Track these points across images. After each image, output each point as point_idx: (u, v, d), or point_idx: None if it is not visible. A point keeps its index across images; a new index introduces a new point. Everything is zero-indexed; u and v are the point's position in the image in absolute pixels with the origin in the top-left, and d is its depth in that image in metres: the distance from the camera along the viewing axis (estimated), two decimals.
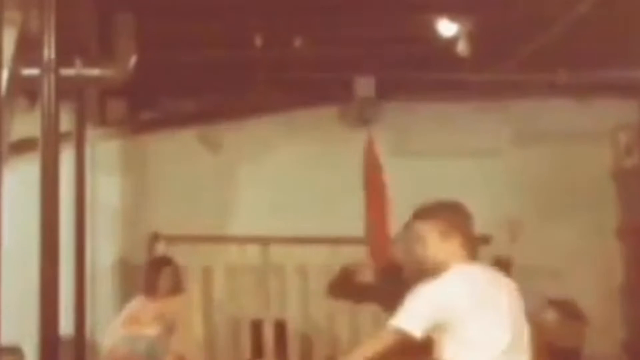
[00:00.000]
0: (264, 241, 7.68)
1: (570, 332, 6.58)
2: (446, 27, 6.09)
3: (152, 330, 6.26)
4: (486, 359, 3.66)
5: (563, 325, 6.57)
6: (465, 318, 3.63)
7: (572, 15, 5.54)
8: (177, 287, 6.57)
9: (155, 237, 7.60)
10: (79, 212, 6.82)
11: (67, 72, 5.18)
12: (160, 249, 7.49)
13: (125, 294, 7.21)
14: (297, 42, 6.49)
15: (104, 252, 7.68)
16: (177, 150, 7.86)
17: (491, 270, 3.96)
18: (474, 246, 3.90)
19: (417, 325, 3.62)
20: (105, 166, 7.73)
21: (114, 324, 6.43)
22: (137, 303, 6.50)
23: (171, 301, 6.46)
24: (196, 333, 7.17)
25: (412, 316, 3.65)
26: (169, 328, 6.26)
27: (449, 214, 3.90)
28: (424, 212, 3.91)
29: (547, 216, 7.85)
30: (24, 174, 5.02)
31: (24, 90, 5.46)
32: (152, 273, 6.56)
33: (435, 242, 3.81)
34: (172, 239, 7.52)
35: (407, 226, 4.10)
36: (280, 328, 7.71)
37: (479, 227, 4.02)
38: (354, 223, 7.42)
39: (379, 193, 7.06)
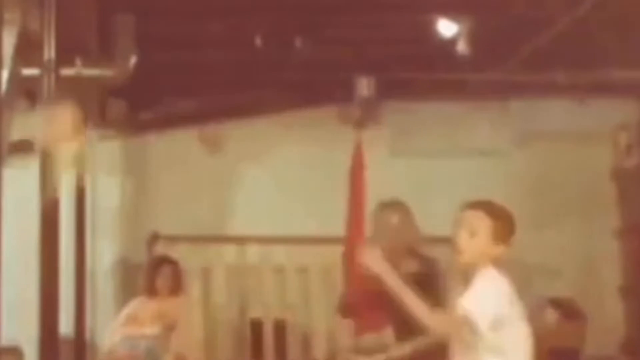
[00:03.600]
0: (264, 241, 7.68)
1: (570, 332, 6.58)
2: (446, 27, 6.09)
3: (151, 330, 6.26)
4: None
5: (563, 325, 6.58)
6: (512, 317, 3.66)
7: (572, 15, 5.54)
8: (177, 287, 6.56)
9: (155, 237, 7.60)
10: (79, 212, 6.82)
11: (67, 72, 5.19)
12: (160, 249, 7.48)
13: (125, 294, 7.21)
14: (297, 42, 6.49)
15: (104, 252, 7.68)
16: (177, 150, 7.86)
17: None
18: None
19: (485, 320, 3.57)
20: (105, 166, 7.73)
21: (114, 324, 6.43)
22: (137, 303, 6.51)
23: (171, 301, 6.46)
24: (196, 333, 7.17)
25: (483, 306, 3.56)
26: (169, 328, 6.26)
27: (507, 221, 3.79)
28: (489, 208, 3.76)
29: (547, 216, 7.84)
30: (24, 174, 5.03)
31: (24, 90, 5.46)
32: (151, 273, 6.56)
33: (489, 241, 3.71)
34: (172, 239, 7.52)
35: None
36: (280, 328, 7.70)
37: None
38: None
39: (363, 195, 6.95)
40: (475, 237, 3.70)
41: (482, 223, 3.70)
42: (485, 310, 3.58)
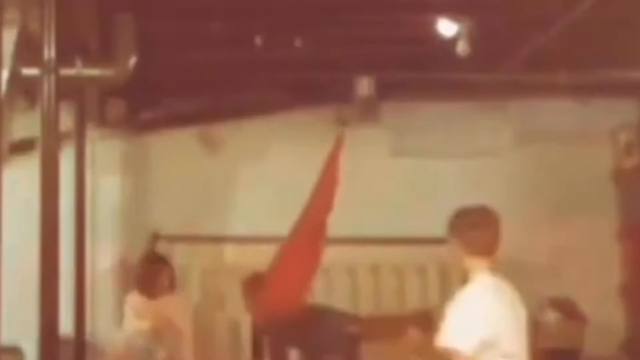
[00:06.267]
0: (264, 241, 7.66)
1: (570, 332, 6.59)
2: (446, 27, 6.09)
3: (147, 328, 6.29)
4: None
5: (563, 325, 6.58)
6: (506, 331, 3.63)
7: (572, 15, 5.54)
8: (165, 286, 6.59)
9: (155, 237, 7.60)
10: (79, 212, 6.82)
11: (67, 72, 5.18)
12: (160, 249, 7.48)
13: (125, 294, 7.20)
14: (297, 42, 6.49)
15: (104, 252, 7.68)
16: (177, 150, 7.86)
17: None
18: None
19: (469, 345, 3.57)
20: (105, 166, 7.72)
21: (126, 320, 6.47)
22: (132, 301, 6.55)
23: (162, 300, 6.49)
24: (192, 331, 7.16)
25: (465, 335, 3.59)
26: (163, 326, 6.29)
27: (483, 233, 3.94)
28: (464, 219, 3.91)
29: (547, 216, 7.84)
30: (24, 174, 5.03)
31: (24, 90, 5.46)
32: (139, 273, 6.61)
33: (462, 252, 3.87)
34: (172, 239, 7.52)
35: None
36: None
37: None
38: (352, 223, 7.42)
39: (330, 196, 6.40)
40: (451, 244, 3.80)
41: (454, 233, 3.80)
42: (467, 339, 3.56)
